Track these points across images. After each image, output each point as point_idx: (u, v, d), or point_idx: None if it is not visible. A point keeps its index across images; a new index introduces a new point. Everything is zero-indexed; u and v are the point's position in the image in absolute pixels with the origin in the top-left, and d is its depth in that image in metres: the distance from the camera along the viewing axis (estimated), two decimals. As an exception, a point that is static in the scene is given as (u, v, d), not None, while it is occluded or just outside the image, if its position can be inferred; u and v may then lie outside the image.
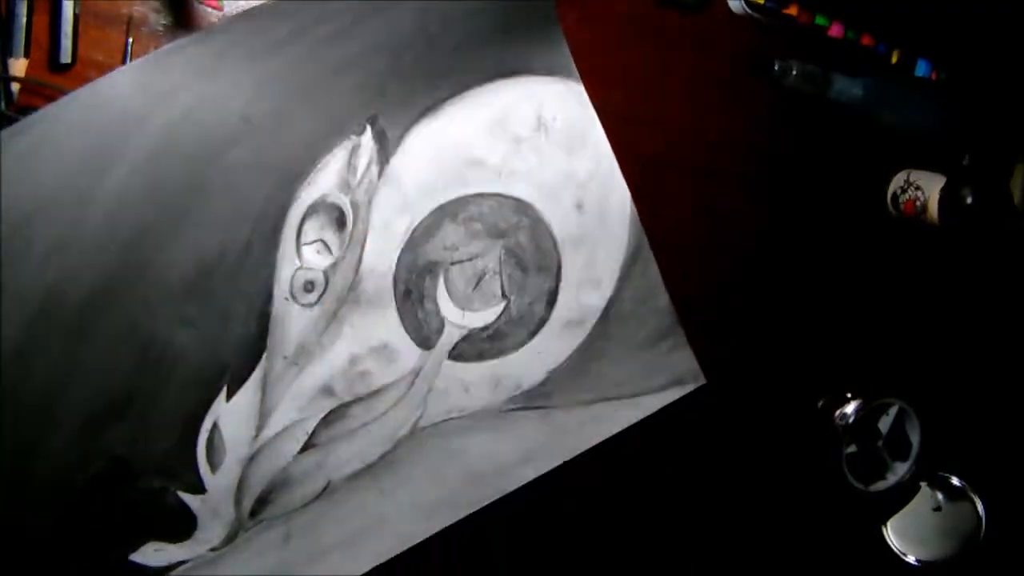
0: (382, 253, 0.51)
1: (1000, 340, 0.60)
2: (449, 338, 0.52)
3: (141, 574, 0.50)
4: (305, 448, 0.51)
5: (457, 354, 0.52)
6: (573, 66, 0.51)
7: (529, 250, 0.53)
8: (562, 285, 0.53)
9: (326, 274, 0.50)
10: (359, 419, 0.51)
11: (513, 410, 0.54)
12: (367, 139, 0.50)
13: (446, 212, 0.51)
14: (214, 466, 0.50)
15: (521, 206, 0.52)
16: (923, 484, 0.61)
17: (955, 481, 0.62)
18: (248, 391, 0.50)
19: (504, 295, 0.53)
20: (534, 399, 0.54)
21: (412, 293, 0.51)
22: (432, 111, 0.50)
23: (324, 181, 0.49)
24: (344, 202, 0.50)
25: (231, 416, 0.50)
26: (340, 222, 0.50)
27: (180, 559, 0.50)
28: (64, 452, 0.47)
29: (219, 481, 0.50)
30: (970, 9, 0.55)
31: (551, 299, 0.53)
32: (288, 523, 0.51)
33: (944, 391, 0.60)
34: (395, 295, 0.51)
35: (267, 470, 0.51)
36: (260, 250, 0.49)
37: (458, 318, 0.52)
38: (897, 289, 0.59)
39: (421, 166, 0.50)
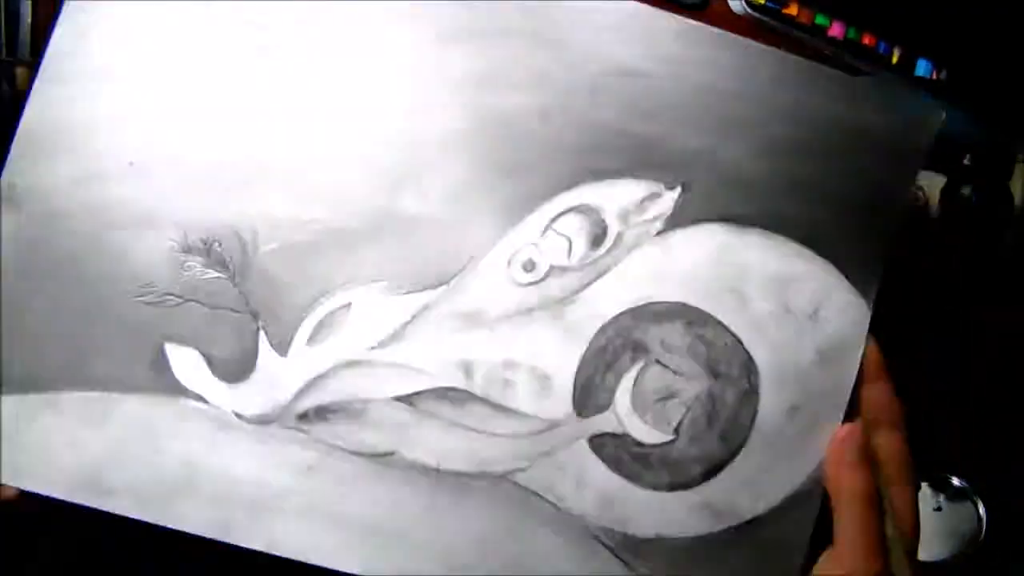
0: (608, 298, 0.53)
1: (1000, 339, 0.58)
2: (604, 423, 0.52)
3: (157, 369, 0.47)
4: (403, 399, 0.50)
5: (598, 444, 0.52)
6: (874, 290, 0.56)
7: (727, 411, 0.54)
8: (730, 466, 0.54)
9: (550, 270, 0.52)
10: (470, 419, 0.50)
11: (601, 543, 0.51)
12: (670, 196, 0.54)
13: (687, 314, 0.53)
14: (313, 339, 0.49)
15: (750, 368, 0.54)
16: (924, 484, 0.65)
17: (956, 482, 0.67)
18: (403, 302, 0.50)
19: (676, 431, 0.54)
20: (626, 551, 0.51)
21: (606, 354, 0.52)
22: (740, 223, 0.55)
23: (610, 196, 0.53)
24: (612, 227, 0.53)
25: (369, 309, 0.50)
26: (596, 241, 0.53)
27: (202, 393, 0.48)
28: (197, 198, 0.48)
29: (304, 358, 0.49)
30: (970, 9, 0.59)
31: (712, 470, 0.54)
32: (324, 457, 0.49)
33: (944, 392, 0.58)
34: (591, 343, 0.52)
35: (352, 389, 0.49)
36: (519, 200, 0.50)
37: (624, 413, 0.53)
38: (895, 286, 0.57)
39: (696, 258, 0.53)
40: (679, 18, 0.51)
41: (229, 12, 0.47)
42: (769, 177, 0.52)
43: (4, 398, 0.44)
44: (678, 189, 0.51)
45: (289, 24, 0.48)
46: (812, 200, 0.53)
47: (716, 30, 0.51)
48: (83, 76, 0.46)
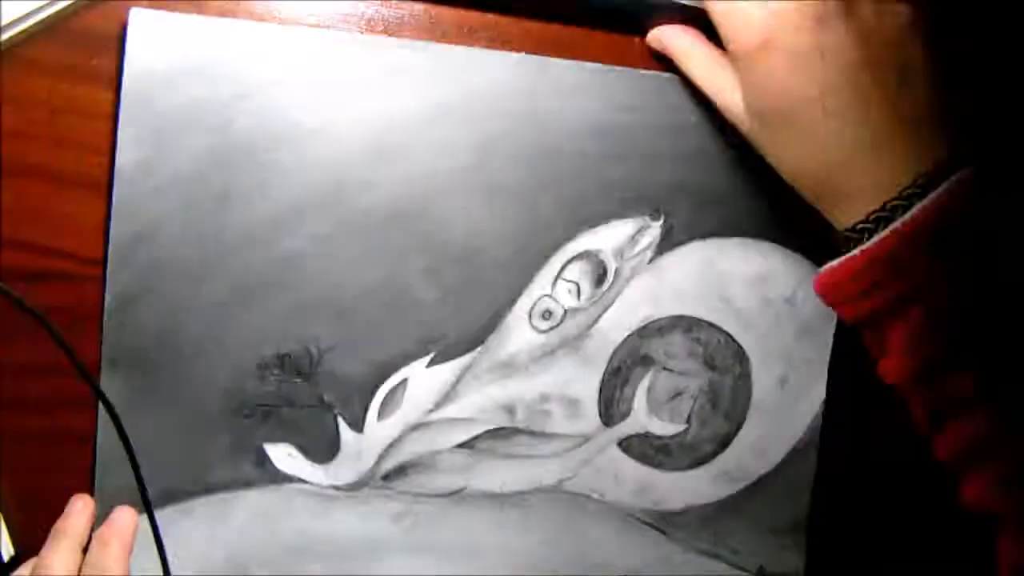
0: (617, 326, 0.68)
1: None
2: (627, 427, 0.69)
3: (261, 465, 0.62)
4: (463, 446, 0.67)
5: (626, 445, 0.69)
6: None
7: (727, 395, 0.70)
8: (736, 439, 0.71)
9: (565, 313, 0.68)
10: (520, 449, 0.67)
11: (640, 520, 0.70)
12: (656, 226, 0.69)
13: (683, 323, 0.69)
14: (382, 414, 0.65)
15: (741, 356, 0.71)
16: None
17: None
18: (448, 369, 0.65)
19: (688, 421, 0.71)
20: (664, 523, 0.69)
21: (620, 372, 0.69)
22: (718, 236, 0.70)
23: (606, 238, 0.67)
24: (611, 265, 0.68)
25: (422, 381, 0.65)
26: (599, 280, 0.68)
27: (302, 476, 0.63)
28: (265, 325, 0.62)
29: (378, 431, 0.65)
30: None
31: (722, 445, 0.71)
32: (410, 505, 0.66)
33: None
34: (607, 366, 0.68)
35: (422, 445, 0.65)
36: (530, 260, 0.63)
37: (643, 415, 0.70)
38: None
39: (685, 274, 0.68)
40: (631, 70, 0.63)
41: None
42: (736, 192, 0.66)
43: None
44: (661, 219, 0.66)
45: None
46: (775, 203, 0.66)
47: (666, 75, 0.65)
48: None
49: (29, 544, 0.57)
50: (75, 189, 0.56)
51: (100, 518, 0.57)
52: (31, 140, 0.55)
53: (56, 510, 0.57)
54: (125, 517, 0.57)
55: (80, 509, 0.57)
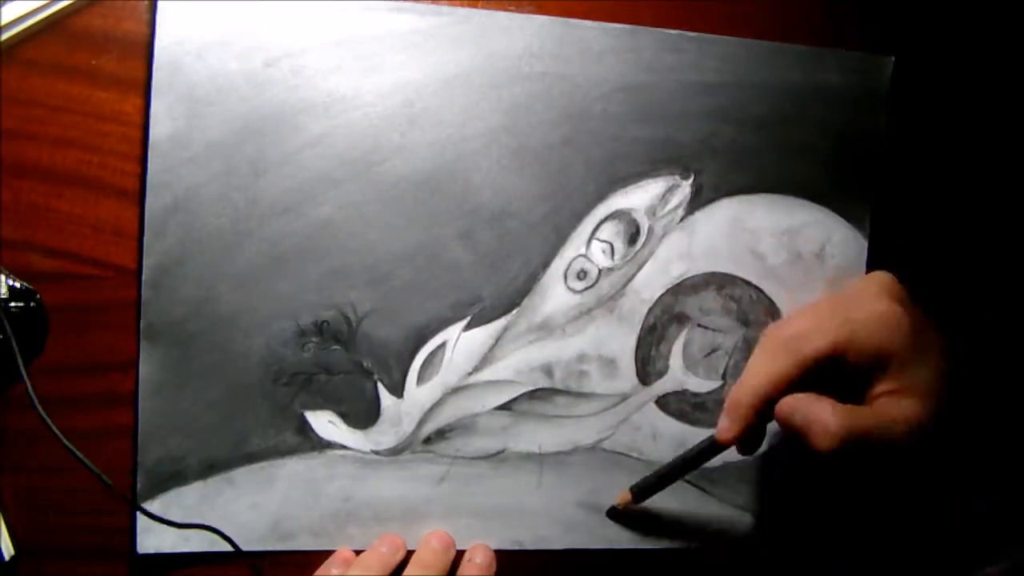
0: (650, 284, 0.66)
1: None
2: (664, 385, 0.67)
3: (303, 432, 0.60)
4: (502, 408, 0.65)
5: (663, 403, 0.67)
6: (868, 220, 0.70)
7: None
8: None
9: (600, 273, 0.66)
10: (558, 409, 0.65)
11: (682, 479, 0.68)
12: (687, 185, 0.67)
13: (716, 280, 0.67)
14: (421, 379, 0.63)
15: (773, 310, 0.68)
16: None
17: None
18: (486, 331, 0.63)
19: (724, 377, 0.69)
20: (702, 480, 0.68)
21: (656, 330, 0.67)
22: (746, 193, 0.68)
23: (638, 198, 0.65)
24: (644, 224, 0.66)
25: (461, 344, 0.63)
26: (632, 238, 0.66)
27: (343, 443, 0.61)
28: (301, 293, 0.60)
29: (418, 395, 0.63)
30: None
31: None
32: (450, 467, 0.64)
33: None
34: (643, 324, 0.66)
35: (461, 408, 0.63)
36: (563, 221, 0.62)
37: (679, 373, 0.67)
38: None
39: (715, 231, 0.66)
40: (660, 30, 0.62)
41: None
42: (763, 148, 0.64)
43: (192, 484, 0.58)
44: (691, 177, 0.64)
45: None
46: (802, 158, 0.65)
47: (691, 34, 0.63)
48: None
49: (29, 544, 0.56)
50: (75, 189, 0.55)
51: (144, 490, 0.57)
52: (31, 140, 0.54)
53: (56, 510, 0.56)
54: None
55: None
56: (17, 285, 0.51)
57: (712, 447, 0.59)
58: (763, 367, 0.57)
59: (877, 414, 0.55)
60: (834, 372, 0.56)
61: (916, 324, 0.56)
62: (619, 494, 0.63)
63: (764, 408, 0.56)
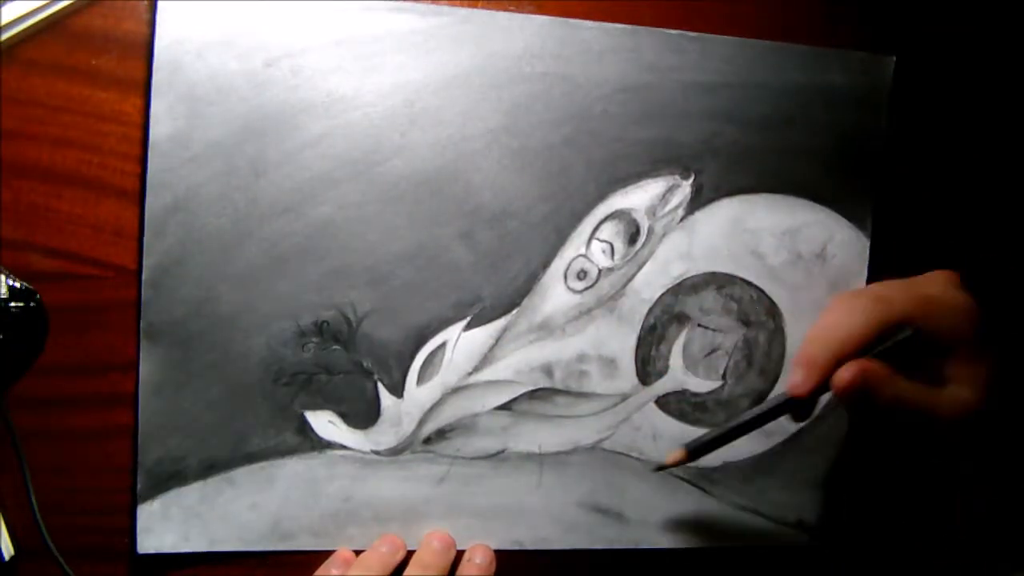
0: (651, 284, 0.66)
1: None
2: (664, 385, 0.67)
3: (303, 432, 0.60)
4: (502, 408, 0.65)
5: (663, 403, 0.67)
6: (869, 221, 0.70)
7: (761, 350, 0.68)
8: (772, 393, 0.69)
9: (600, 273, 0.66)
10: (558, 409, 0.65)
11: (680, 479, 0.68)
12: (687, 185, 0.67)
13: (716, 280, 0.67)
14: (421, 379, 0.63)
15: (774, 311, 0.69)
16: None
17: None
18: (486, 331, 0.63)
19: (724, 377, 0.69)
20: (701, 479, 0.68)
21: (656, 330, 0.66)
22: (747, 193, 0.68)
23: (637, 198, 0.65)
24: (644, 224, 0.66)
25: (461, 344, 0.63)
26: (632, 238, 0.66)
27: (343, 443, 0.61)
28: (301, 293, 0.59)
29: (417, 395, 0.63)
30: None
31: (758, 400, 0.68)
32: (451, 467, 0.64)
33: None
34: (643, 324, 0.66)
35: (461, 408, 0.63)
36: (563, 221, 0.62)
37: (679, 373, 0.67)
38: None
39: (716, 231, 0.66)
40: (660, 30, 0.62)
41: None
42: (764, 148, 0.64)
43: (192, 484, 0.58)
44: (692, 177, 0.64)
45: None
46: (803, 158, 0.65)
47: (692, 34, 0.62)
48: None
49: (29, 544, 0.55)
50: (75, 189, 0.55)
51: (144, 490, 0.57)
52: (31, 140, 0.54)
53: (57, 510, 0.56)
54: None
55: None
56: (17, 285, 0.51)
57: (783, 404, 0.57)
58: (845, 321, 0.56)
59: (936, 396, 0.56)
60: (903, 345, 0.56)
61: (983, 320, 0.56)
62: (673, 453, 0.60)
63: (838, 363, 0.55)
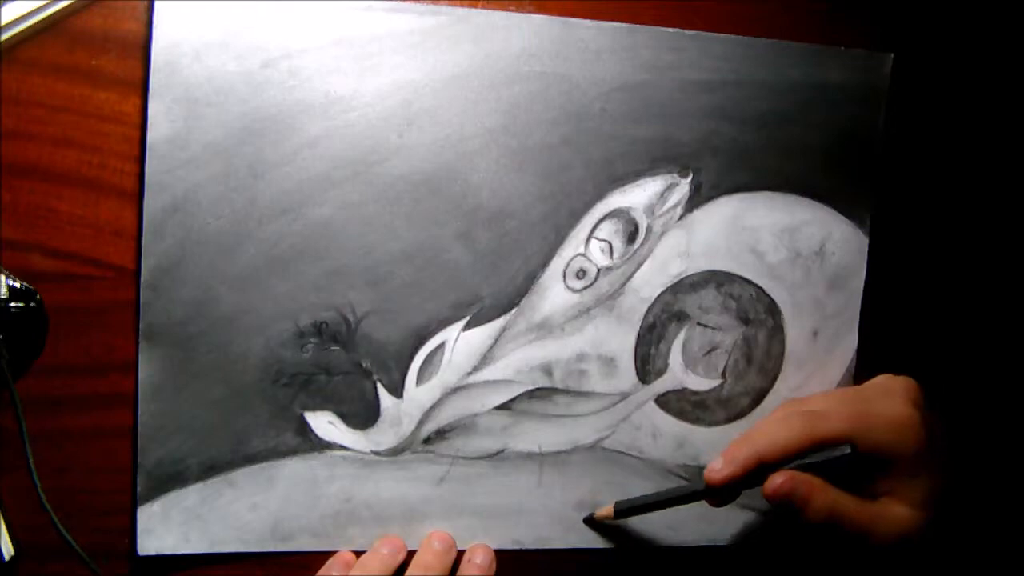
0: (649, 282, 0.66)
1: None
2: (664, 384, 0.67)
3: (302, 433, 0.60)
4: (502, 408, 0.65)
5: (663, 401, 0.67)
6: (868, 218, 0.70)
7: (761, 348, 0.68)
8: (771, 391, 0.69)
9: (599, 272, 0.66)
10: (558, 408, 0.65)
11: (680, 477, 0.68)
12: (685, 183, 0.67)
13: (715, 278, 0.67)
14: (420, 379, 0.63)
15: (773, 308, 0.69)
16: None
17: None
18: (485, 331, 0.63)
19: (723, 375, 0.69)
20: (701, 476, 0.68)
21: (656, 329, 0.67)
22: (746, 191, 0.68)
23: (636, 196, 0.65)
24: (642, 223, 0.66)
25: (460, 344, 0.63)
26: (631, 237, 0.66)
27: (343, 444, 0.61)
28: (300, 293, 0.59)
29: (417, 395, 0.63)
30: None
31: (757, 399, 0.68)
32: (451, 467, 0.64)
33: None
34: (642, 323, 0.66)
35: (461, 408, 0.63)
36: (562, 220, 0.62)
37: (679, 371, 0.67)
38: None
39: (715, 229, 0.66)
40: (658, 28, 0.62)
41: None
42: (762, 146, 0.64)
43: (192, 486, 0.58)
44: (690, 175, 0.64)
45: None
46: (801, 156, 0.65)
47: (690, 32, 0.63)
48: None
49: (29, 544, 0.56)
50: (75, 189, 0.55)
51: (144, 492, 0.57)
52: (31, 140, 0.54)
53: (57, 510, 0.56)
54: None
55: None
56: (17, 285, 0.51)
57: (696, 490, 0.59)
58: (774, 430, 0.57)
59: (873, 512, 0.56)
60: (838, 462, 0.57)
61: (929, 434, 0.56)
62: (604, 508, 0.63)
63: (759, 468, 0.56)
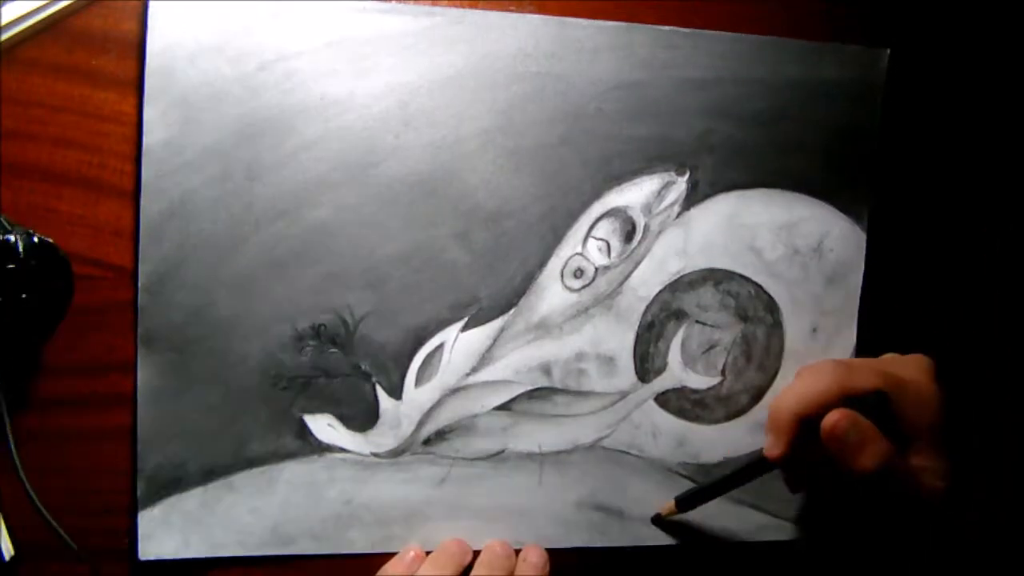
0: (647, 281, 0.66)
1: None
2: (663, 382, 0.67)
3: (302, 436, 0.60)
4: (501, 408, 0.65)
5: (663, 400, 0.67)
6: (866, 214, 0.70)
7: (759, 345, 0.69)
8: (771, 388, 0.69)
9: (597, 271, 0.66)
10: (557, 408, 0.65)
11: (680, 475, 0.68)
12: (682, 182, 0.67)
13: (713, 276, 0.67)
14: (419, 381, 0.63)
15: (771, 306, 0.69)
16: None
17: None
18: (484, 332, 0.63)
19: (723, 373, 0.69)
20: (702, 474, 0.68)
21: (654, 327, 0.67)
22: (743, 189, 0.68)
23: (633, 195, 0.65)
24: (640, 221, 0.66)
25: (458, 345, 0.63)
26: (628, 236, 0.66)
27: (343, 446, 0.61)
28: (298, 296, 0.59)
29: (416, 397, 0.63)
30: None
31: (757, 396, 0.69)
32: (451, 468, 0.64)
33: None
34: (641, 321, 0.66)
35: (460, 409, 0.64)
36: (559, 220, 0.62)
37: (678, 370, 0.67)
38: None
39: (712, 227, 0.66)
40: (653, 27, 0.62)
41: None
42: (759, 144, 0.64)
43: (192, 490, 0.58)
44: (687, 173, 0.64)
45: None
46: (799, 153, 0.65)
47: (685, 30, 0.63)
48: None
49: (29, 544, 0.56)
50: (75, 189, 0.56)
51: (144, 496, 0.57)
52: (31, 140, 0.54)
53: (57, 510, 0.56)
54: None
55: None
56: (35, 240, 0.51)
57: (761, 463, 0.60)
58: (808, 383, 0.58)
59: (917, 465, 0.57)
60: (871, 408, 0.56)
61: (944, 410, 0.57)
62: (665, 504, 0.64)
63: (802, 423, 0.56)
